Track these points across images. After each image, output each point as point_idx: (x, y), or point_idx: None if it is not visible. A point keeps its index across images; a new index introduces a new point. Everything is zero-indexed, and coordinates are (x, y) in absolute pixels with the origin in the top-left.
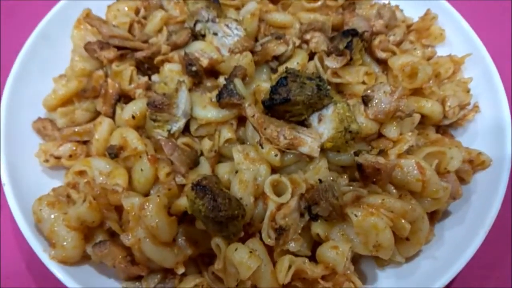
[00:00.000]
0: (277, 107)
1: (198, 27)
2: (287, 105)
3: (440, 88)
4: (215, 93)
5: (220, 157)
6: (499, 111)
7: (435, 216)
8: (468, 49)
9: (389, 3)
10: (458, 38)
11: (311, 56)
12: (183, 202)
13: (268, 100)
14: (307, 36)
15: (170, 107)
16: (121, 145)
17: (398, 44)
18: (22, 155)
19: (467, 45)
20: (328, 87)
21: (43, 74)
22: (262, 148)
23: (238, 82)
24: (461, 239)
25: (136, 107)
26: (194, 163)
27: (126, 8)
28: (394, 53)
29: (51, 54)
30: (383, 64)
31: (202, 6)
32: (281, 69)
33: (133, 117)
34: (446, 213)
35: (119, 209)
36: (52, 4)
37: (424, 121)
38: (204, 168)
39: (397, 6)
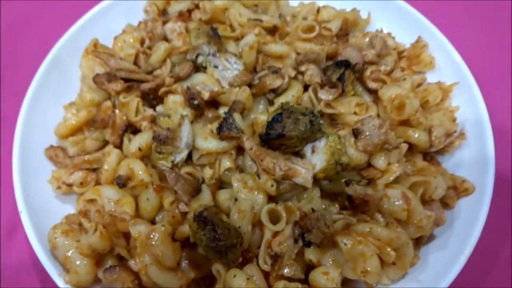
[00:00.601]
0: (273, 141)
1: (200, 59)
2: (282, 139)
3: (427, 118)
4: (215, 124)
5: (221, 183)
6: (483, 140)
7: (420, 240)
8: (455, 75)
9: (381, 31)
10: (446, 64)
11: (306, 87)
12: (186, 229)
13: (264, 134)
14: (302, 68)
15: (174, 141)
16: (128, 175)
17: (389, 73)
18: (36, 181)
19: (455, 71)
20: (321, 121)
21: (55, 101)
22: (260, 178)
23: (237, 116)
24: (444, 263)
25: (142, 140)
26: (196, 191)
27: (132, 39)
28: (385, 82)
29: (61, 82)
30: (374, 93)
31: (204, 42)
32: (278, 101)
33: (140, 149)
34: (431, 236)
35: (127, 235)
36: (59, 28)
37: (412, 148)
38: (206, 195)
39: (389, 34)
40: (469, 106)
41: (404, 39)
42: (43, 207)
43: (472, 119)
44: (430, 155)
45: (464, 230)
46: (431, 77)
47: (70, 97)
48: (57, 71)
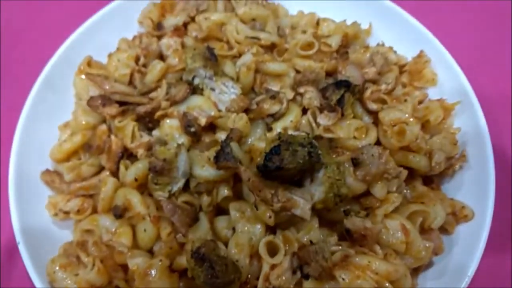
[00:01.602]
0: (271, 172)
1: (196, 81)
2: (280, 171)
3: (427, 142)
4: (213, 151)
5: (218, 208)
6: (484, 163)
7: (418, 268)
8: (457, 92)
9: (383, 44)
10: (448, 80)
11: (304, 108)
12: (183, 261)
13: (262, 166)
14: (301, 90)
15: (171, 171)
16: (125, 206)
17: (390, 91)
18: (33, 205)
19: (457, 88)
20: (319, 152)
21: (50, 121)
22: (257, 209)
23: (234, 146)
24: None
25: (138, 170)
26: (193, 220)
27: (126, 58)
28: (385, 102)
29: (56, 100)
30: (374, 114)
31: (200, 65)
32: (276, 126)
33: (136, 179)
34: (429, 263)
35: (125, 266)
36: (51, 45)
37: (412, 172)
38: (203, 224)
39: (390, 48)
40: (471, 127)
41: (406, 51)
42: (41, 234)
43: (474, 141)
44: (430, 178)
45: (463, 257)
46: (432, 93)
47: (65, 115)
48: (51, 89)
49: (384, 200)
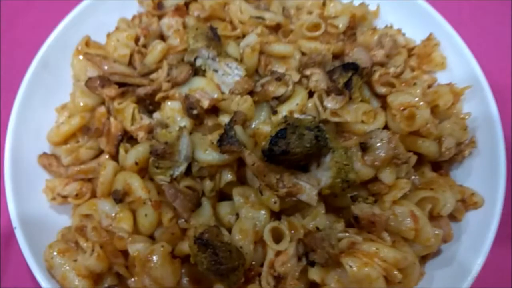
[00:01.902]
0: (276, 157)
1: (199, 62)
2: (286, 156)
3: (437, 127)
4: (215, 134)
5: (221, 193)
6: (494, 148)
7: (426, 256)
8: (467, 76)
9: (391, 26)
10: (458, 63)
11: (310, 91)
12: (186, 247)
13: (267, 150)
14: (307, 72)
15: (172, 155)
16: (125, 190)
17: (399, 75)
18: (29, 189)
19: (467, 72)
20: (327, 136)
21: (47, 103)
22: (262, 194)
23: (238, 129)
24: (451, 280)
25: (138, 153)
26: (196, 205)
27: (126, 38)
28: (394, 86)
29: (53, 81)
30: (382, 98)
31: (202, 46)
32: (281, 109)
33: (136, 163)
34: (438, 250)
35: (125, 252)
36: (48, 26)
37: (421, 158)
38: (206, 210)
39: (399, 30)
40: (481, 112)
41: (414, 34)
42: (38, 219)
43: (484, 127)
44: (439, 164)
45: (472, 245)
46: (442, 77)
47: (62, 97)
48: (48, 71)
49: (392, 186)
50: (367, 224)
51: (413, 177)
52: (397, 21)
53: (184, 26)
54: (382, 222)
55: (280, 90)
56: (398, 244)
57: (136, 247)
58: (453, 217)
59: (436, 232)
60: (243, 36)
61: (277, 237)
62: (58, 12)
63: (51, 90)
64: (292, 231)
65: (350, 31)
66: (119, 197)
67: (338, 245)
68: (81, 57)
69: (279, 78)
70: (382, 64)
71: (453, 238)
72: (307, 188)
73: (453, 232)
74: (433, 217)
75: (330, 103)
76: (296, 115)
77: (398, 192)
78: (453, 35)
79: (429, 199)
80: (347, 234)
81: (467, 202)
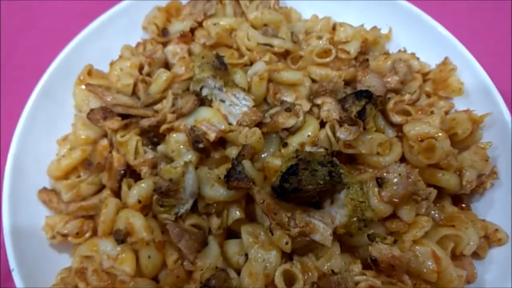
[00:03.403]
0: (288, 194)
1: (205, 92)
2: (298, 193)
3: (457, 158)
4: (223, 168)
5: (229, 230)
6: None
7: None
8: (486, 102)
9: (405, 50)
10: (475, 87)
11: (322, 122)
12: None
13: (278, 187)
14: (318, 101)
15: (177, 192)
16: (127, 230)
17: (415, 102)
18: (29, 227)
19: (486, 97)
20: (341, 171)
21: (48, 133)
22: (273, 234)
23: (247, 164)
24: None
25: (142, 191)
26: (202, 245)
27: (129, 66)
28: (409, 114)
29: (54, 112)
30: (397, 126)
31: (209, 75)
32: (291, 141)
33: (139, 201)
34: None
35: None
36: (51, 50)
37: (440, 190)
38: (213, 250)
39: (413, 55)
40: (502, 140)
41: (429, 57)
42: (37, 259)
43: (505, 155)
44: (459, 196)
45: (497, 285)
46: (458, 102)
47: (64, 127)
48: (50, 100)
49: (412, 224)
50: (386, 267)
51: (432, 212)
52: (410, 43)
53: (190, 53)
54: (402, 265)
55: (290, 122)
56: None
57: None
58: (476, 254)
59: (459, 273)
60: (251, 63)
61: (290, 279)
62: (61, 33)
63: (52, 120)
64: (306, 274)
65: (362, 56)
66: (121, 237)
67: None
68: (83, 86)
69: (289, 108)
70: (396, 91)
71: (477, 278)
72: (321, 227)
73: (476, 271)
74: (455, 257)
75: (343, 134)
76: (307, 148)
77: (419, 231)
78: (470, 58)
79: (451, 236)
80: (364, 277)
81: (491, 238)
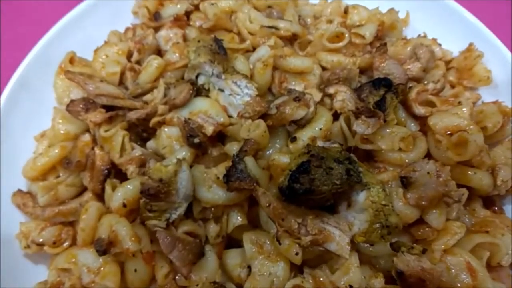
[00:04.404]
0: (298, 196)
1: (201, 80)
2: (310, 195)
3: (489, 154)
4: (222, 167)
5: (229, 238)
6: None
7: None
8: None
9: (425, 36)
10: (505, 78)
11: (335, 114)
12: None
13: (286, 188)
14: (330, 90)
15: (168, 194)
16: (111, 239)
17: (439, 92)
18: (1, 233)
19: None
20: (360, 169)
21: (25, 131)
22: (280, 243)
23: (249, 161)
24: None
25: (127, 193)
26: (197, 256)
27: (116, 53)
28: (434, 105)
29: (32, 105)
30: (421, 120)
31: (205, 60)
32: (300, 135)
33: (124, 205)
34: None
35: None
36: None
37: (470, 192)
38: (210, 262)
39: (434, 40)
40: None
41: (450, 43)
42: (11, 272)
43: None
44: (491, 198)
45: None
46: (485, 93)
47: (44, 123)
48: (27, 92)
49: (442, 230)
50: (415, 282)
51: (462, 216)
52: (429, 29)
53: (185, 39)
54: (434, 279)
55: (300, 113)
56: None
57: None
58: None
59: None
60: (253, 49)
61: None
62: (42, 23)
63: (30, 114)
64: None
65: (378, 42)
66: (103, 247)
67: None
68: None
69: (298, 98)
70: (418, 80)
71: None
72: (337, 235)
73: None
74: (491, 268)
75: (360, 127)
76: (319, 143)
77: (451, 239)
78: (498, 44)
79: (484, 245)
80: None
81: None
